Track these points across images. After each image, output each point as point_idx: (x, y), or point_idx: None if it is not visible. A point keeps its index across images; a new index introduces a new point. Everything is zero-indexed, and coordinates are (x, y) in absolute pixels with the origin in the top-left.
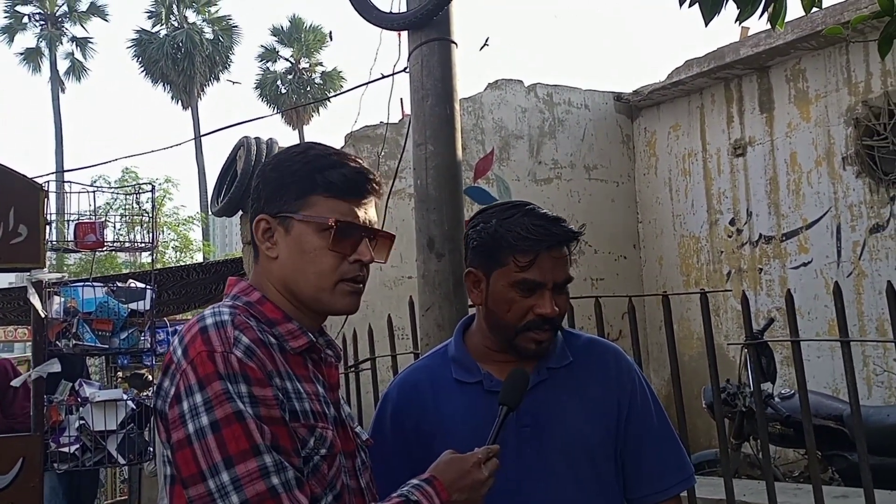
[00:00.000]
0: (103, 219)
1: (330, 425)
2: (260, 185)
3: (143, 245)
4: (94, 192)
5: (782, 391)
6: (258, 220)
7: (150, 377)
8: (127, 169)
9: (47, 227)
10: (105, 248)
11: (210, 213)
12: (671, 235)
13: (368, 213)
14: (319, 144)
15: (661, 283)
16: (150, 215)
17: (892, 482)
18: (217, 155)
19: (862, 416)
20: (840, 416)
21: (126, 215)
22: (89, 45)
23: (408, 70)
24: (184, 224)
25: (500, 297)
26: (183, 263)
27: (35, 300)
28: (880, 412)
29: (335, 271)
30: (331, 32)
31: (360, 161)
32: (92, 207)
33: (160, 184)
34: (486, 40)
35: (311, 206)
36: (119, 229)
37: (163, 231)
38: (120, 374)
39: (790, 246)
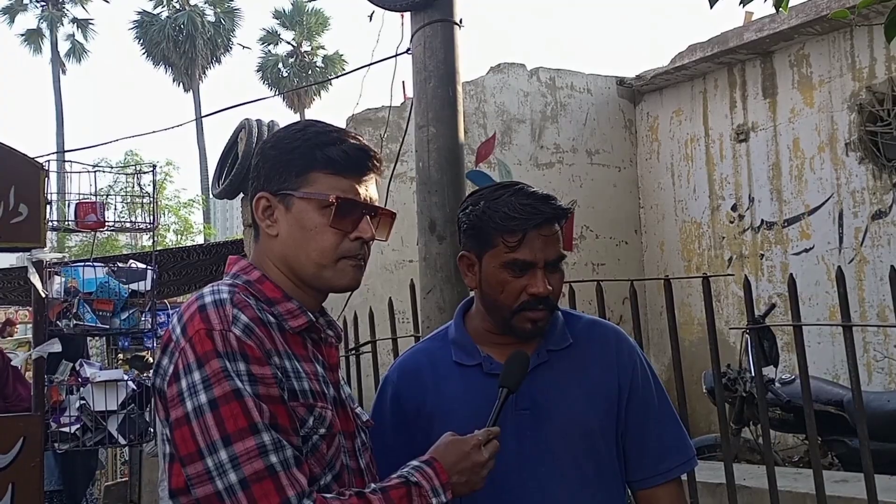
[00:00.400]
0: (104, 200)
1: (329, 405)
2: (260, 163)
3: (143, 226)
4: (94, 172)
5: (783, 376)
6: (258, 197)
7: (150, 359)
8: (130, 152)
9: (48, 207)
10: (106, 229)
11: (211, 195)
12: (673, 221)
13: (369, 190)
14: (319, 122)
15: (662, 269)
16: (152, 197)
17: (892, 467)
18: (218, 137)
19: (863, 402)
20: (840, 401)
21: (127, 197)
22: (90, 26)
23: (410, 52)
24: (185, 207)
25: (493, 279)
26: (183, 246)
27: (35, 280)
28: (880, 398)
29: (336, 248)
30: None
31: (360, 138)
32: (93, 188)
33: (161, 166)
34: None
35: (312, 184)
36: (120, 211)
37: (164, 213)
38: (121, 355)
39: (792, 232)
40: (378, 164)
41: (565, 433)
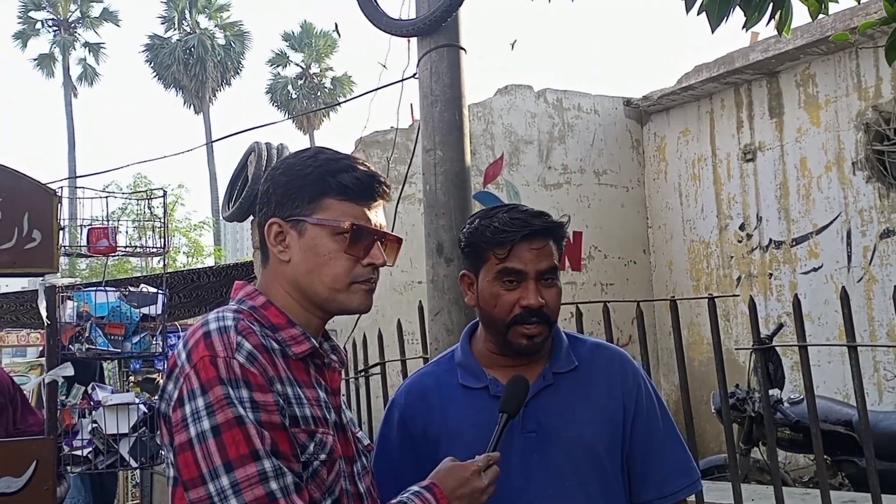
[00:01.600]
0: (115, 224)
1: (330, 430)
2: (270, 189)
3: (154, 250)
4: (106, 197)
5: (791, 396)
6: (270, 223)
7: (161, 381)
8: (139, 175)
9: (60, 233)
10: (117, 254)
11: (221, 218)
12: (681, 240)
13: (378, 216)
14: (328, 149)
15: (670, 289)
16: (162, 220)
17: None
18: (228, 160)
19: (871, 421)
20: (849, 421)
21: (138, 221)
22: (102, 50)
23: (417, 76)
24: (195, 229)
25: (488, 293)
26: (194, 268)
27: (42, 307)
28: (889, 417)
29: (349, 274)
30: (336, 25)
31: (369, 165)
32: (104, 213)
33: (172, 189)
34: (514, 42)
35: (325, 210)
36: (131, 235)
37: (174, 236)
38: (132, 378)
39: (800, 251)
40: (387, 191)
41: (571, 455)
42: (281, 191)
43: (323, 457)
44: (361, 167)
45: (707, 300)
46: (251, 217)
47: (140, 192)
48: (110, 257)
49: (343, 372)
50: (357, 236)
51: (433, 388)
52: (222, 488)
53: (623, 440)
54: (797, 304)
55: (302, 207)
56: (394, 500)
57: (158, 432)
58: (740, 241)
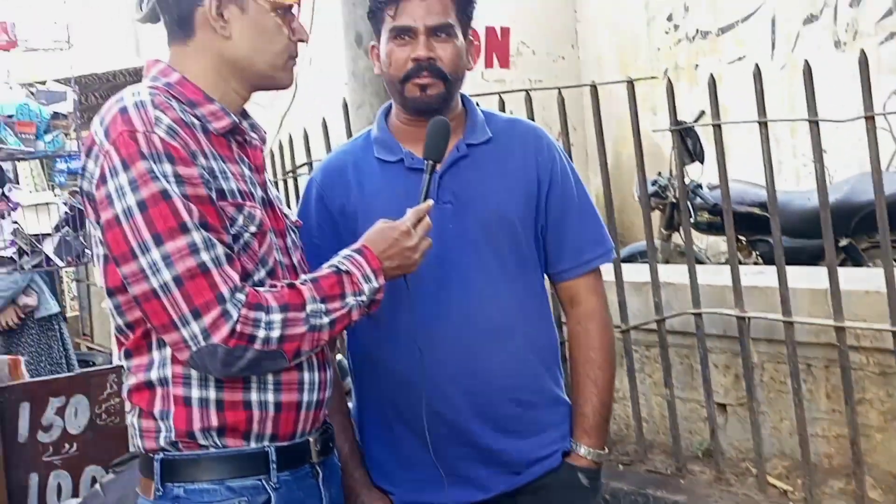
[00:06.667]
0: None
1: (258, 205)
2: None
3: (58, 44)
4: None
5: (711, 182)
6: None
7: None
8: None
9: None
10: (19, 48)
11: (135, 20)
12: (609, 34)
13: None
14: None
15: (593, 80)
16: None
17: (811, 263)
18: None
19: (784, 201)
20: (764, 203)
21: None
22: None
23: None
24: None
25: (384, 55)
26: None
27: None
28: (802, 196)
29: (287, 50)
30: None
31: None
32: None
33: None
34: None
35: None
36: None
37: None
38: (57, 191)
39: (725, 41)
40: None
41: (486, 225)
42: None
43: (253, 229)
44: None
45: (626, 84)
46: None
47: None
48: (11, 52)
49: (264, 151)
50: (291, 13)
51: (350, 164)
52: (153, 261)
53: (538, 210)
54: (712, 83)
55: None
56: (325, 265)
57: (84, 229)
58: (667, 33)
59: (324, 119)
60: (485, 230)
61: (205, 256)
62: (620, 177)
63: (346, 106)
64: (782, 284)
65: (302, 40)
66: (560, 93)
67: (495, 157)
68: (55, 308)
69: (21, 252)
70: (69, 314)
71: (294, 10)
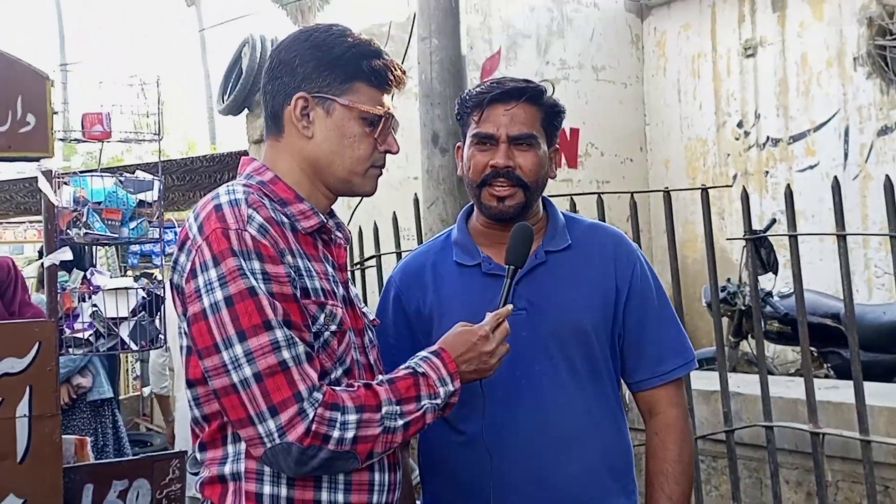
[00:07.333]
0: (109, 111)
1: (339, 303)
2: (297, 62)
3: (149, 136)
4: (100, 83)
5: (781, 291)
6: (298, 97)
7: (158, 276)
8: (133, 76)
9: (54, 117)
10: (112, 140)
11: (217, 111)
12: (678, 138)
13: (390, 104)
14: (350, 29)
15: (666, 186)
16: (157, 108)
17: (886, 378)
18: (221, 57)
19: (858, 314)
20: (837, 314)
21: (132, 110)
22: None
23: None
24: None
25: (467, 158)
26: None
27: (46, 188)
28: (876, 310)
29: (370, 158)
30: None
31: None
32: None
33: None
34: None
35: (355, 93)
36: (136, 123)
37: (168, 132)
38: (129, 272)
39: (797, 149)
40: (404, 79)
41: (559, 333)
42: (311, 65)
43: (333, 328)
44: (385, 55)
45: (700, 191)
46: (245, 111)
47: (132, 78)
48: (105, 143)
49: (347, 251)
50: (381, 123)
51: (428, 265)
52: (236, 357)
53: (615, 319)
54: (789, 194)
55: (333, 87)
56: (402, 366)
57: (160, 314)
58: (738, 139)
59: (394, 213)
60: (558, 339)
61: (286, 354)
62: (685, 280)
63: (416, 201)
64: (859, 401)
65: (389, 151)
66: (633, 196)
67: (573, 265)
68: (108, 393)
69: (98, 334)
70: (130, 394)
71: (383, 122)
